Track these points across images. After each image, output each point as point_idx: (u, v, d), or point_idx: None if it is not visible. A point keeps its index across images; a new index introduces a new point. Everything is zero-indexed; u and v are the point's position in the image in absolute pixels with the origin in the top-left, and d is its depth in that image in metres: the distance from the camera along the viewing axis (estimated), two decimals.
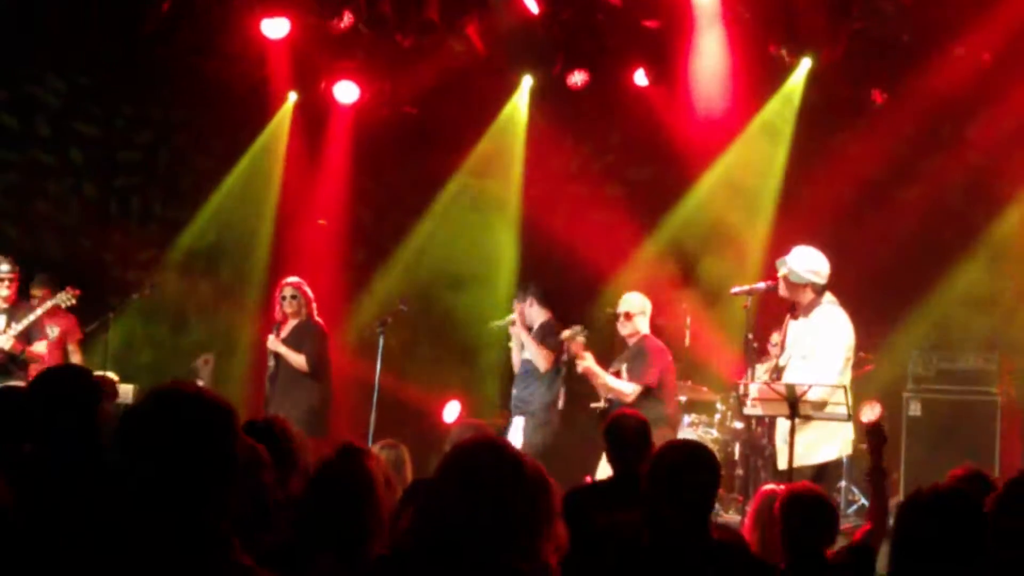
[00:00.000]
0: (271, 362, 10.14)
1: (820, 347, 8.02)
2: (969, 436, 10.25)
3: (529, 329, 9.96)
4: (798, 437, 7.89)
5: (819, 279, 8.14)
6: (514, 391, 10.06)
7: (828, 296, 8.16)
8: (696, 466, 4.52)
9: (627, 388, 9.21)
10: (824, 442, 7.98)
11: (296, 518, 4.17)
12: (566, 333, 9.32)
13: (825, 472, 8.08)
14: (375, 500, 4.16)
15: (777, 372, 8.28)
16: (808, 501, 4.89)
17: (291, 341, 10.05)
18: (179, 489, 2.77)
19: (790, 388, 7.99)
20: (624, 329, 9.46)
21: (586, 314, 12.15)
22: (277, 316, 10.25)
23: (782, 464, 8.00)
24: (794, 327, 8.26)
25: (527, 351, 9.90)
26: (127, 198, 12.71)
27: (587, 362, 9.24)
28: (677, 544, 4.40)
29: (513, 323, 9.96)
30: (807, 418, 7.87)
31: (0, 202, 12.07)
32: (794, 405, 8.04)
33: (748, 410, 8.96)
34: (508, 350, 12.71)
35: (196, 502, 2.78)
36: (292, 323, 10.15)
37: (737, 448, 10.54)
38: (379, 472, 4.29)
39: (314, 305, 10.19)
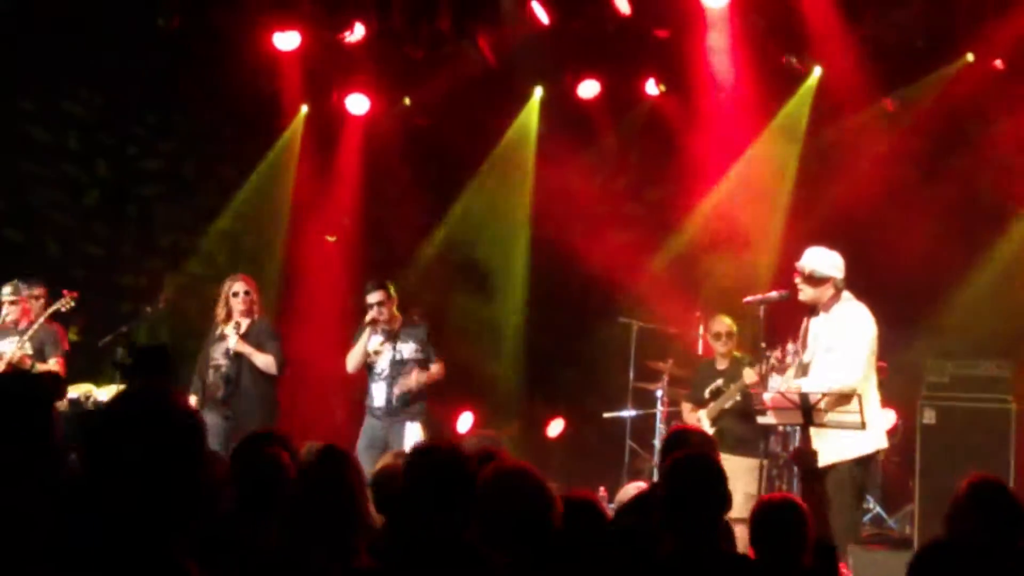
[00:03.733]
0: (222, 360, 9.72)
1: (844, 339, 8.00)
2: (984, 444, 10.20)
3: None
4: (829, 433, 7.88)
5: (839, 273, 8.14)
6: (395, 391, 9.77)
7: (846, 293, 8.17)
8: (709, 477, 4.58)
9: None
10: (856, 436, 7.93)
11: (285, 520, 4.23)
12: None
13: (867, 466, 8.04)
14: (360, 499, 4.23)
15: (803, 370, 8.26)
16: (777, 507, 4.91)
17: (251, 340, 9.74)
18: (144, 501, 2.69)
19: (804, 397, 7.98)
20: None
21: (599, 325, 12.20)
22: (219, 314, 9.83)
23: (823, 461, 7.94)
24: (815, 324, 8.23)
25: (411, 350, 9.82)
26: (148, 207, 12.69)
27: None
28: (691, 553, 4.44)
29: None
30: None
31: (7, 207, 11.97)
32: (808, 413, 8.03)
33: (762, 419, 8.96)
34: (519, 362, 12.72)
35: (158, 517, 2.70)
36: (244, 321, 9.79)
37: None
38: (360, 473, 4.38)
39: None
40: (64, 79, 11.95)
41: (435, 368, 9.88)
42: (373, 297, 9.81)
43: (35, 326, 9.81)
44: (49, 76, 11.79)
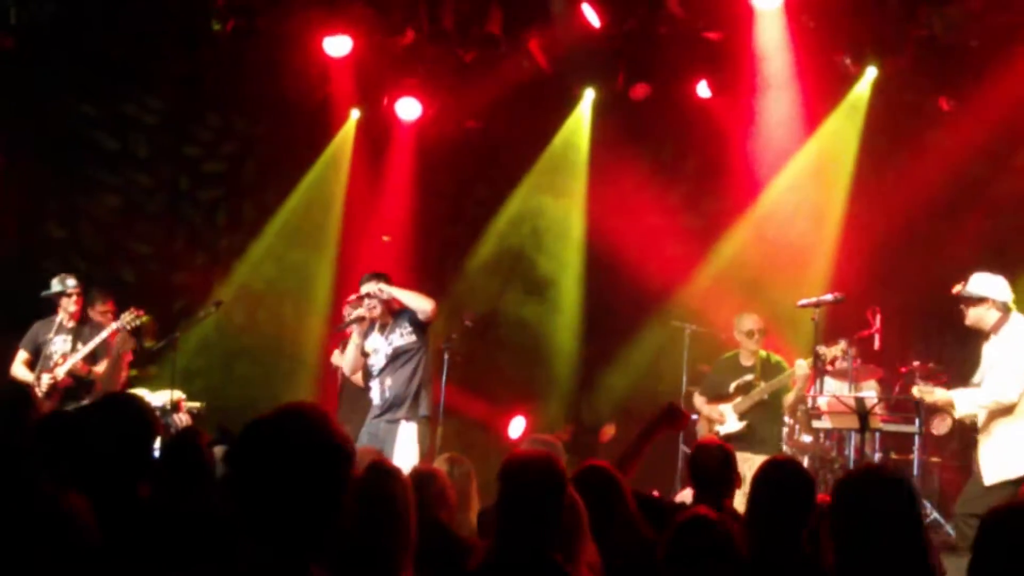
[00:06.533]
0: (340, 377, 10.12)
1: (1007, 355, 7.92)
2: None
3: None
4: (994, 452, 7.77)
5: (998, 294, 8.01)
6: (386, 380, 8.93)
7: (1016, 315, 8.05)
8: (795, 484, 4.58)
9: None
10: (1018, 455, 7.84)
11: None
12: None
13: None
14: (404, 518, 4.13)
15: None
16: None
17: None
18: (288, 519, 2.73)
19: (859, 401, 7.91)
20: None
21: (652, 329, 12.15)
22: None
23: (988, 480, 7.84)
24: (987, 347, 8.16)
25: (401, 339, 8.97)
26: (206, 208, 12.79)
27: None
28: (772, 559, 4.41)
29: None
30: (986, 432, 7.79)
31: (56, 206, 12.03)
32: (864, 418, 7.95)
33: (817, 423, 8.89)
34: (571, 365, 12.64)
35: (299, 534, 2.74)
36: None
37: (806, 462, 10.43)
38: (407, 489, 4.26)
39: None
40: (124, 83, 12.04)
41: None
42: (364, 288, 9.03)
43: (96, 340, 9.83)
44: (109, 80, 11.90)
